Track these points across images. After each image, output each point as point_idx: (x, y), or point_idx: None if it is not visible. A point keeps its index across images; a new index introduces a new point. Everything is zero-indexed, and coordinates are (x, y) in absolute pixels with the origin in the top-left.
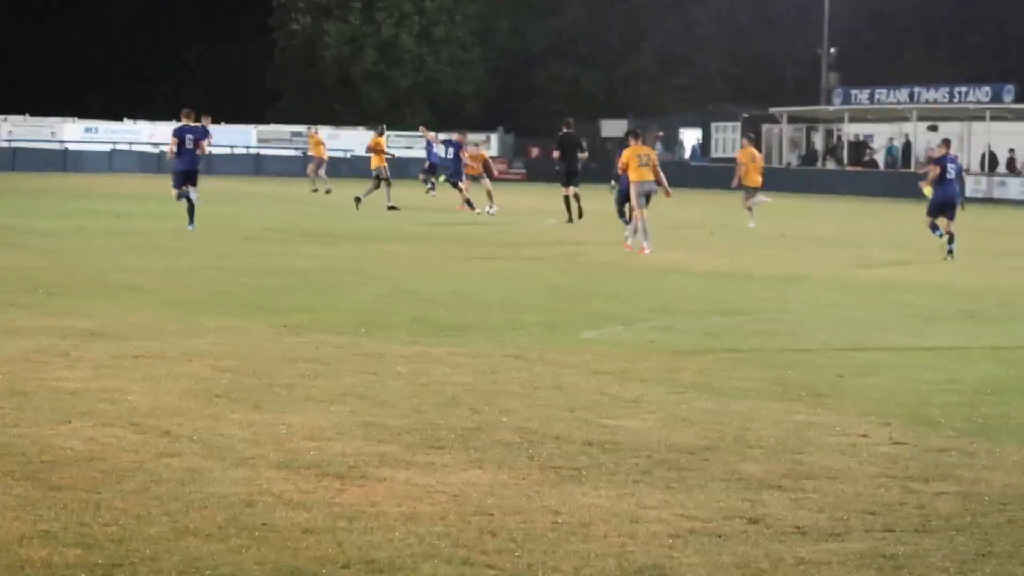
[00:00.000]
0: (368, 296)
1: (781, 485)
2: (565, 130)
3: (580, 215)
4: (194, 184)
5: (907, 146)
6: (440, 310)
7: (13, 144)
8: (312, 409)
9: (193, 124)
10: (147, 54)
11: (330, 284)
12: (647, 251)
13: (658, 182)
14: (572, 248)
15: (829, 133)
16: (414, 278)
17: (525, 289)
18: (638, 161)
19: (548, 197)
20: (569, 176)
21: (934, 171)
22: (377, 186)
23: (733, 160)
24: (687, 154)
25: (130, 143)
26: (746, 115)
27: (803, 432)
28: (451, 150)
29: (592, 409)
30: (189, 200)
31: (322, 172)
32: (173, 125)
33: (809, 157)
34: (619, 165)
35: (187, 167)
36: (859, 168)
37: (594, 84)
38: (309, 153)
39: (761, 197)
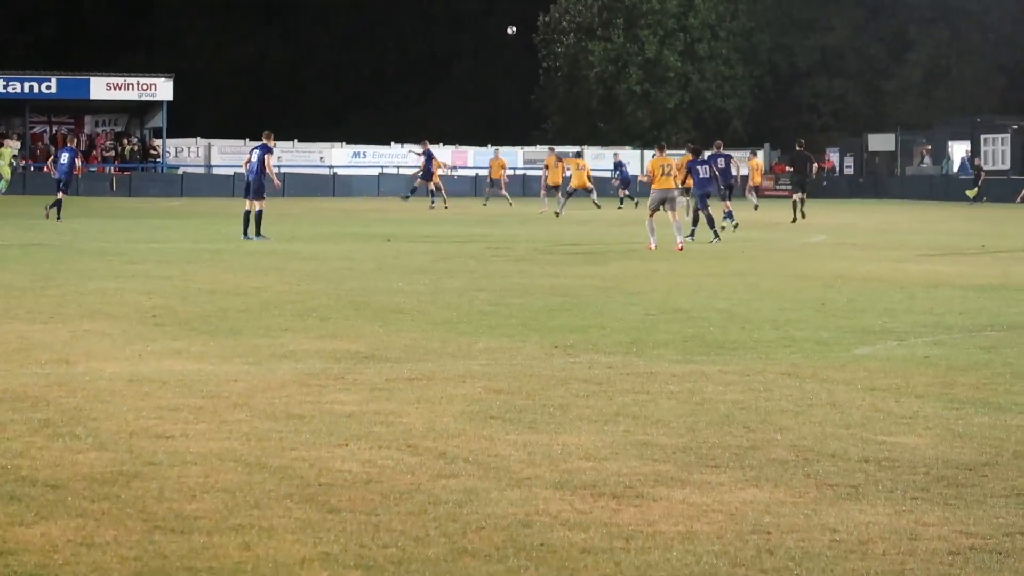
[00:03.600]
0: (636, 315)
1: None
2: (798, 148)
3: (802, 216)
4: None
5: None
6: (709, 327)
7: (283, 170)
8: (586, 429)
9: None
10: (411, 76)
11: (598, 303)
12: (652, 246)
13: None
14: (837, 265)
15: None
16: (680, 296)
17: (793, 305)
18: (661, 171)
19: (814, 212)
20: (800, 185)
21: None
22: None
23: (1003, 173)
24: (955, 168)
25: (398, 167)
26: (1015, 127)
27: None
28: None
29: (867, 426)
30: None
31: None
32: (441, 148)
33: None
34: (648, 173)
35: None
36: None
37: (860, 99)
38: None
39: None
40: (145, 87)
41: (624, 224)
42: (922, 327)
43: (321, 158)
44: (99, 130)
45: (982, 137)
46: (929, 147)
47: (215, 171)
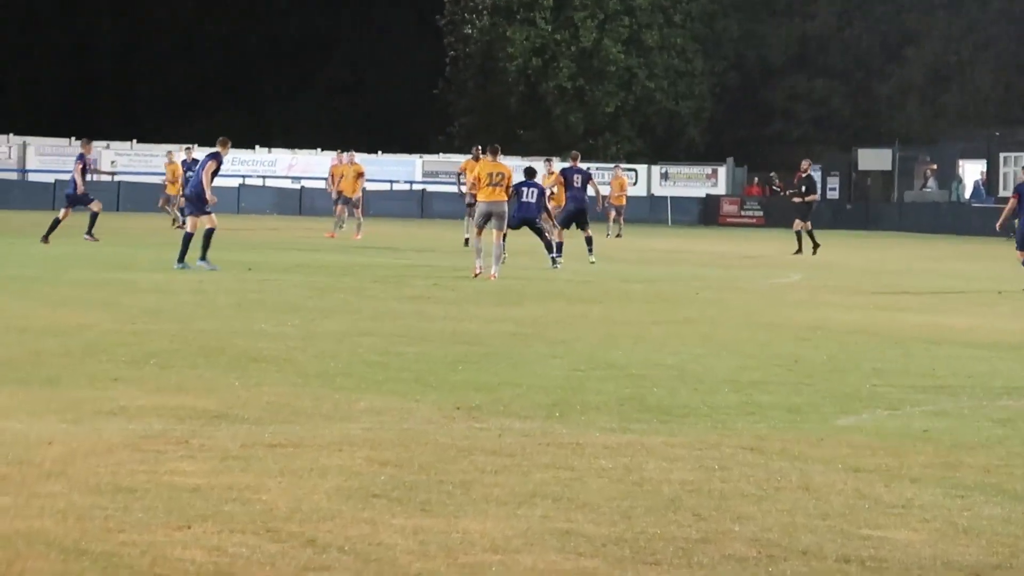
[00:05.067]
0: (561, 370)
1: None
2: (807, 174)
3: (814, 249)
4: None
5: None
6: (652, 388)
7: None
8: (494, 513)
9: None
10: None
11: (513, 354)
12: (478, 272)
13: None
14: (815, 313)
15: None
16: (617, 347)
17: (759, 362)
18: (489, 180)
19: (788, 244)
20: (806, 213)
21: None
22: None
23: None
24: (967, 193)
25: (263, 177)
26: None
27: None
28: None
29: (849, 516)
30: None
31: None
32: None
33: None
34: (468, 182)
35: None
36: None
37: (848, 104)
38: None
39: None
40: None
41: (543, 257)
42: (920, 393)
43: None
44: None
45: (1001, 155)
46: (934, 166)
47: (31, 177)
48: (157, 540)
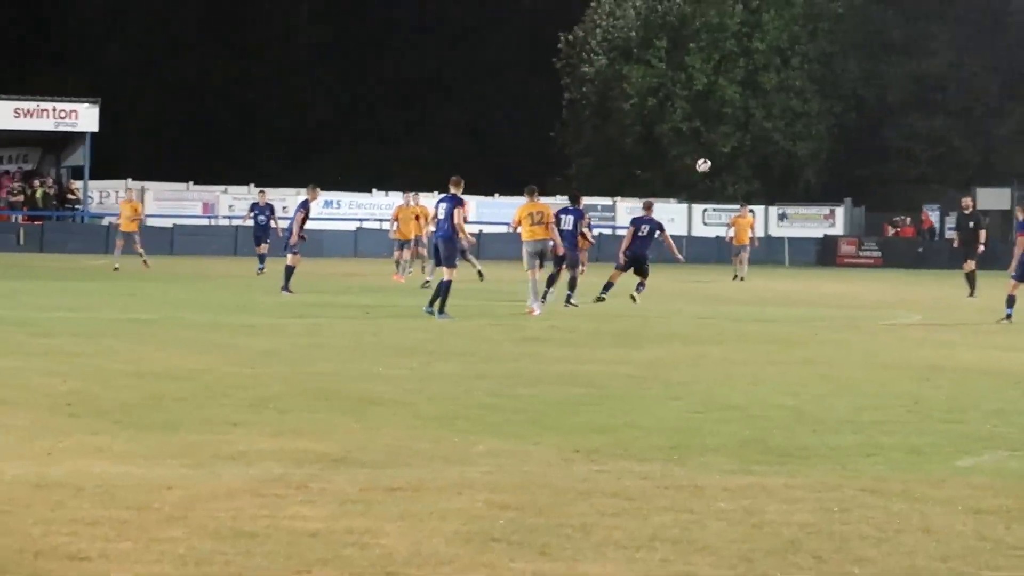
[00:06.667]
0: (680, 412)
1: None
2: (969, 210)
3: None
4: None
5: None
6: (772, 430)
7: (230, 220)
8: (613, 557)
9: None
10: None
11: (632, 397)
12: (536, 312)
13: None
14: (935, 352)
15: None
16: (735, 389)
17: (878, 403)
18: (530, 220)
19: (907, 285)
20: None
21: None
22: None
23: None
24: None
25: (380, 220)
26: None
27: None
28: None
29: (970, 558)
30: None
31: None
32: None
33: None
34: (512, 223)
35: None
36: None
37: (966, 143)
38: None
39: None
40: (63, 114)
41: (661, 299)
42: None
43: (284, 208)
44: (4, 168)
45: None
46: None
47: (150, 222)
48: None
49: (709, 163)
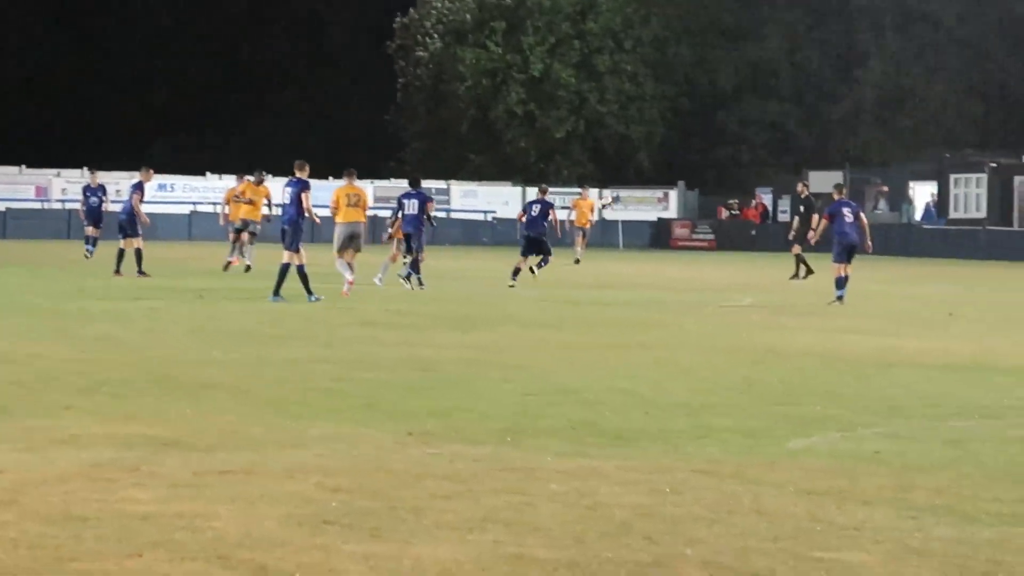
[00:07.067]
0: (514, 395)
1: None
2: (805, 193)
3: (806, 273)
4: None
5: None
6: (606, 412)
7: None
8: (446, 538)
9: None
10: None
11: (467, 380)
12: (348, 290)
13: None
14: (769, 336)
15: None
16: (570, 372)
17: (712, 386)
18: (347, 201)
19: (741, 268)
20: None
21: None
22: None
23: (977, 223)
24: (918, 215)
25: (214, 203)
26: (993, 164)
27: None
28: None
29: (802, 539)
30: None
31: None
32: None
33: None
34: (331, 205)
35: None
36: None
37: (799, 127)
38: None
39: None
40: None
41: (499, 282)
42: (873, 415)
43: (118, 192)
44: None
45: (952, 177)
46: (886, 188)
47: None
48: (109, 568)
49: (611, 198)
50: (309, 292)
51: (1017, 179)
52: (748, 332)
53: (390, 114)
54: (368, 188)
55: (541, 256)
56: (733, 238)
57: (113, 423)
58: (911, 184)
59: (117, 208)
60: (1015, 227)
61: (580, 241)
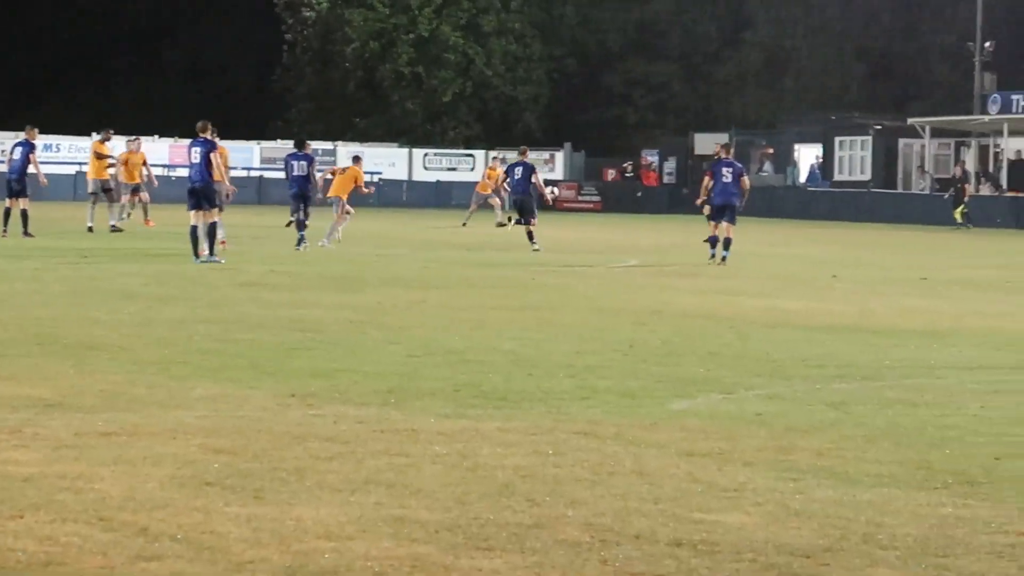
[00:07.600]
0: (398, 357)
1: None
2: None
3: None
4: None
5: None
6: (488, 374)
7: None
8: (327, 500)
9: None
10: (117, 50)
11: (350, 341)
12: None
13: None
14: (653, 297)
15: (984, 150)
16: (455, 334)
17: (595, 347)
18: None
19: (627, 229)
20: None
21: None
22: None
23: (862, 184)
24: (803, 177)
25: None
26: (878, 127)
27: (950, 529)
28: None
29: (682, 500)
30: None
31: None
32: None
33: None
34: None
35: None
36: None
37: (686, 89)
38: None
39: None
40: None
41: (383, 243)
42: (755, 377)
43: (1, 151)
44: None
45: (836, 139)
46: (771, 151)
47: None
48: None
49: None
50: (196, 255)
51: (901, 142)
52: (632, 293)
53: (276, 75)
54: (254, 148)
55: (523, 217)
56: (618, 200)
57: None
58: (796, 146)
59: (2, 168)
60: (899, 189)
61: (498, 203)
